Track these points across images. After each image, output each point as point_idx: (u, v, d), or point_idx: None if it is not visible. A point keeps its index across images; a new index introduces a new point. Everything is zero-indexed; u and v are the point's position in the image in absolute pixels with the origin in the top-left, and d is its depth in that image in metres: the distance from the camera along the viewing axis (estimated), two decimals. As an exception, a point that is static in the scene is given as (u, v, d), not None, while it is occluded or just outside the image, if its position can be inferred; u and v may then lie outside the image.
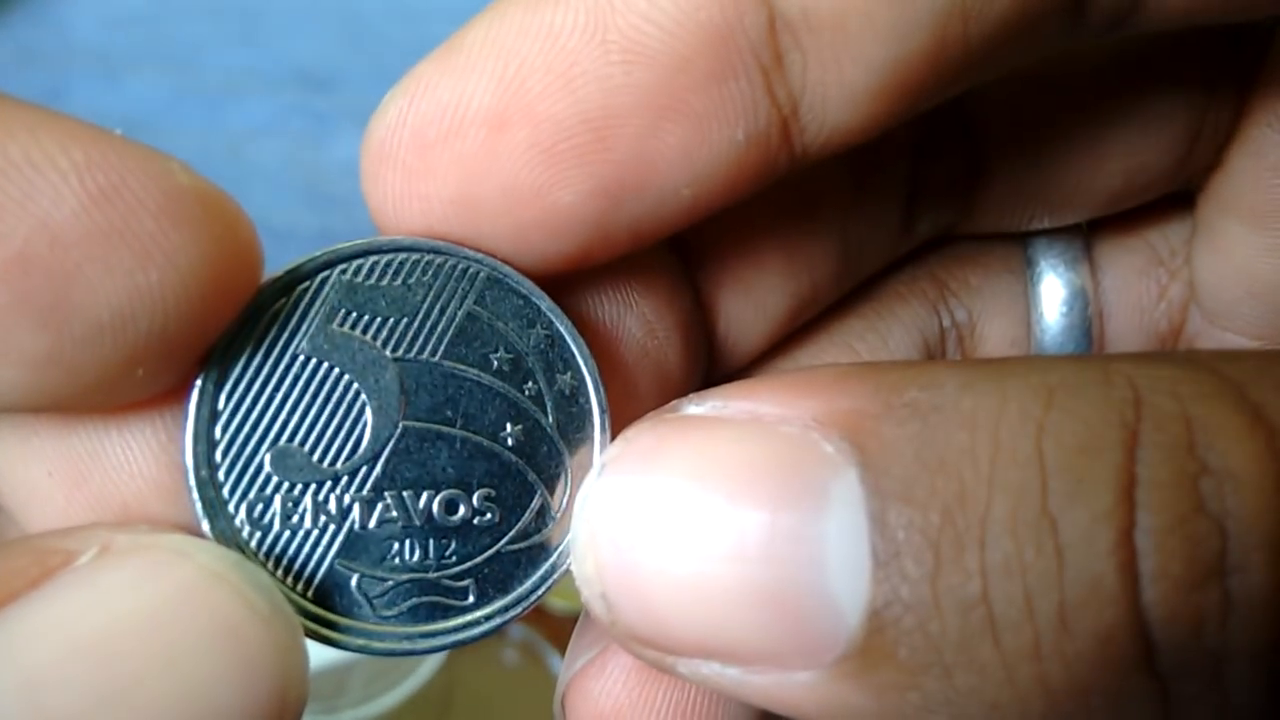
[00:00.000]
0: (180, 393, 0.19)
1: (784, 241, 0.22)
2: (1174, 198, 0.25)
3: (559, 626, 0.44)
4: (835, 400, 0.16)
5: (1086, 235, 0.25)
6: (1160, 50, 0.22)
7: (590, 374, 0.19)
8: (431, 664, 0.40)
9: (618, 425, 0.19)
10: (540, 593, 0.20)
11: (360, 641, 0.19)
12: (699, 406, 0.17)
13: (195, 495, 0.18)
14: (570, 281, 0.20)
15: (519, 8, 0.17)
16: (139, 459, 0.19)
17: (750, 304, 0.23)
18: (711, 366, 0.23)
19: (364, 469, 0.18)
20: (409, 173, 0.18)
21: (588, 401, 0.19)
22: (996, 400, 0.15)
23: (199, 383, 0.18)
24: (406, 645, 0.19)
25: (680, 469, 0.16)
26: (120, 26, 1.07)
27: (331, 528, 0.18)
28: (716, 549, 0.16)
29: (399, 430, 0.19)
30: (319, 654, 0.44)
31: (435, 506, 0.19)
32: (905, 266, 0.25)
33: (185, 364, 0.18)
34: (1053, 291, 0.24)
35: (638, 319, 0.21)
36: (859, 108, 0.18)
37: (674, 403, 0.17)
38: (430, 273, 0.19)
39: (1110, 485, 0.15)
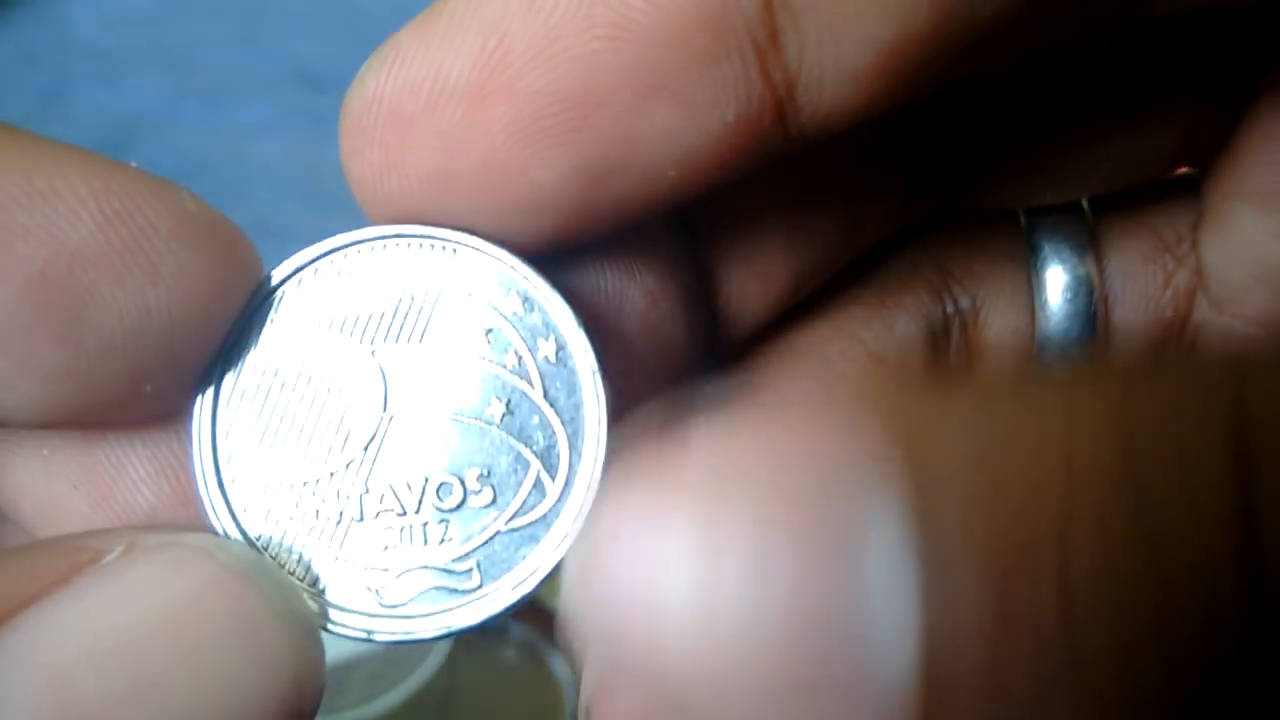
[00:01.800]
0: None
1: (787, 213, 0.22)
2: (1179, 183, 0.25)
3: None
4: (864, 422, 0.14)
5: (1091, 222, 0.25)
6: (1169, 27, 0.21)
7: (574, 333, 0.18)
8: (431, 664, 0.40)
9: (624, 395, 0.19)
10: (547, 570, 0.19)
11: (366, 630, 0.19)
12: (705, 442, 0.15)
13: (205, 502, 0.19)
14: (570, 254, 0.20)
15: None
16: (161, 471, 0.20)
17: (753, 275, 0.22)
18: (714, 338, 0.23)
19: (355, 463, 0.19)
20: (386, 148, 0.18)
21: (576, 364, 0.19)
22: (1064, 401, 0.13)
23: (198, 400, 0.19)
24: (414, 633, 0.19)
25: (692, 515, 0.14)
26: (120, 26, 1.07)
27: (331, 522, 0.19)
28: (732, 601, 0.13)
29: (385, 421, 0.19)
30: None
31: (429, 492, 0.19)
32: (908, 253, 0.25)
33: (189, 382, 0.19)
34: (1056, 278, 0.24)
35: (640, 290, 0.21)
36: (858, 89, 0.17)
37: (675, 437, 0.15)
38: (397, 258, 0.19)
39: (1221, 493, 0.13)
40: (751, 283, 0.22)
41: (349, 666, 0.40)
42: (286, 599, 0.18)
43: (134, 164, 0.19)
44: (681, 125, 0.17)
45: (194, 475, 0.19)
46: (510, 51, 0.16)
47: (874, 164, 0.22)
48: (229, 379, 0.19)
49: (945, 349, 0.25)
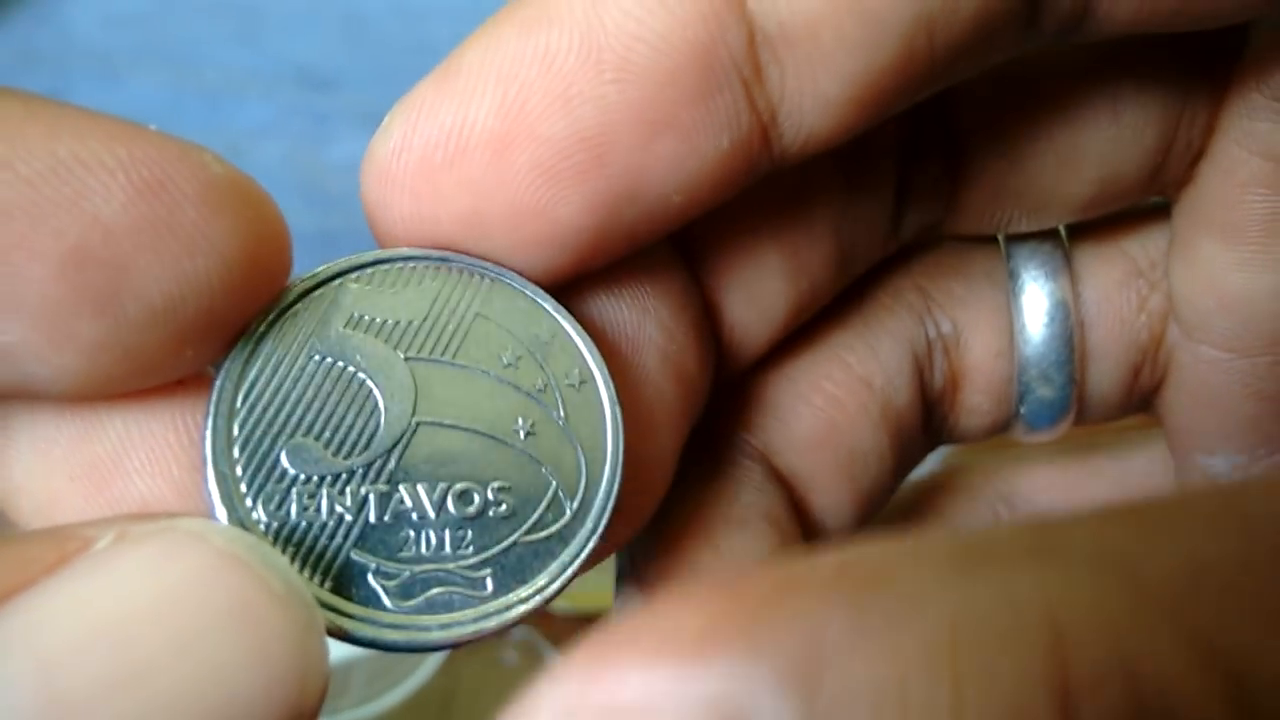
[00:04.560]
0: (202, 386, 0.19)
1: (783, 246, 0.23)
2: (1153, 210, 0.25)
3: (559, 627, 0.44)
4: (721, 676, 0.14)
5: (1067, 247, 0.25)
6: (1134, 63, 0.23)
7: (596, 366, 0.19)
8: (431, 664, 0.40)
9: (635, 426, 0.19)
10: (558, 584, 0.19)
11: (374, 632, 0.19)
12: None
13: (213, 487, 0.19)
14: (592, 293, 0.21)
15: (513, 29, 0.18)
16: (161, 461, 0.19)
17: (753, 307, 0.23)
18: (718, 369, 0.24)
19: (378, 462, 0.19)
20: (417, 196, 0.19)
21: (597, 395, 0.19)
22: (896, 667, 0.13)
23: (218, 383, 0.19)
24: (422, 637, 0.19)
25: None
26: (120, 26, 1.07)
27: (347, 519, 0.19)
28: None
29: (413, 425, 0.19)
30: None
31: (450, 498, 0.19)
32: (892, 278, 0.26)
33: (229, 340, 0.19)
34: (1035, 303, 0.25)
35: (657, 326, 0.21)
36: (832, 115, 0.18)
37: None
38: (438, 279, 0.19)
39: None
40: (752, 314, 0.23)
41: (349, 666, 0.40)
42: (285, 582, 0.17)
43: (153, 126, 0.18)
44: (684, 155, 0.18)
45: (203, 459, 0.19)
46: (529, 100, 0.17)
47: (863, 195, 0.23)
48: (252, 367, 0.19)
49: (929, 372, 0.26)
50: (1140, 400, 0.27)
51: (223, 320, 0.18)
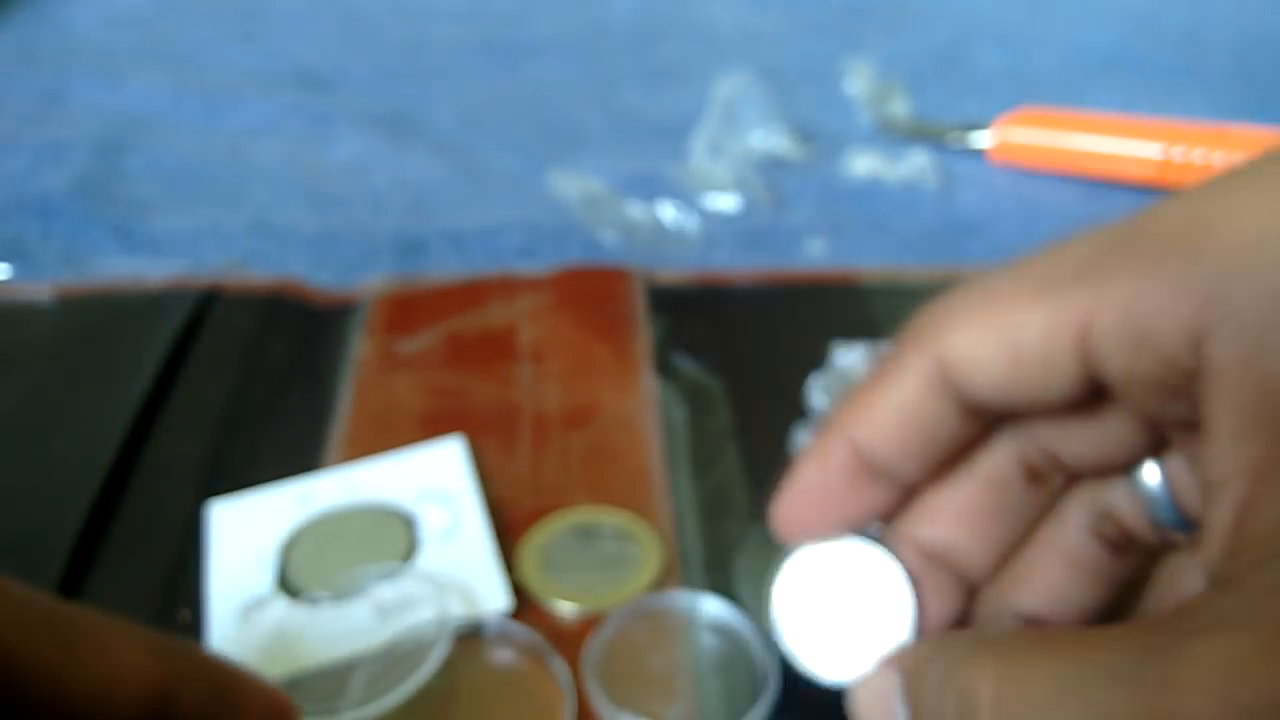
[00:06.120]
0: None
1: (972, 543, 0.36)
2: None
3: (559, 626, 0.44)
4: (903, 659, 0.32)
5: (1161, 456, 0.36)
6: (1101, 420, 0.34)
7: (902, 583, 0.36)
8: (431, 664, 0.40)
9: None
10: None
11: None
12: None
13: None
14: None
15: (810, 456, 0.34)
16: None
17: (941, 603, 0.37)
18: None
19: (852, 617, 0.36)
20: (786, 517, 0.36)
21: (903, 591, 0.36)
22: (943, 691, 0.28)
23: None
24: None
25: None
26: (120, 26, 1.07)
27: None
28: None
29: (856, 606, 0.35)
30: (319, 654, 0.44)
31: (851, 633, 0.35)
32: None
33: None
34: (1150, 480, 0.36)
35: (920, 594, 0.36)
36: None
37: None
38: (833, 546, 0.36)
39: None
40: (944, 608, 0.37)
41: (349, 667, 0.40)
42: None
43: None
44: (842, 516, 0.35)
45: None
46: (809, 486, 0.35)
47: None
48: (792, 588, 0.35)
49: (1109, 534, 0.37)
50: None
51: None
